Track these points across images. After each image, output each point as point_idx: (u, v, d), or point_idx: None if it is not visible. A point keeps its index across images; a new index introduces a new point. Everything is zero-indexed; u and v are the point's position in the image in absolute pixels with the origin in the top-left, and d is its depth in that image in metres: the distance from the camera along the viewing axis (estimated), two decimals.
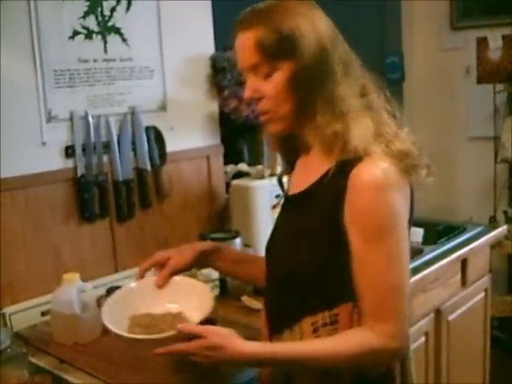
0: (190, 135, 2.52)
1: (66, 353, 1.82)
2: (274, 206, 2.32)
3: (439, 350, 2.54)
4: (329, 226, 1.27)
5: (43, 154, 2.08)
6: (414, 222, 1.36)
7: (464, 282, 2.69)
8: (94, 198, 2.19)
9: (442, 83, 3.92)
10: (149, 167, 2.33)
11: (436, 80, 3.92)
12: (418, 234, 2.50)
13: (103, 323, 1.42)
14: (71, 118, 2.13)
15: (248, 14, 1.30)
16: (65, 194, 2.14)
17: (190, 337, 1.26)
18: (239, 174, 2.58)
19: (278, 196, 2.37)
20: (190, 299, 1.47)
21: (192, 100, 2.52)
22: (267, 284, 1.46)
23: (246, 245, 2.28)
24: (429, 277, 2.37)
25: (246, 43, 1.28)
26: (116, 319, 1.42)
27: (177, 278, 1.53)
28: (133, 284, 1.56)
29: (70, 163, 2.14)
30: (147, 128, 2.34)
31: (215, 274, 2.06)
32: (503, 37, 3.50)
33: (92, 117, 2.18)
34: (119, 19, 2.25)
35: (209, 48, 2.58)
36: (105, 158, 2.22)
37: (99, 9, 2.19)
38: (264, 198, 2.38)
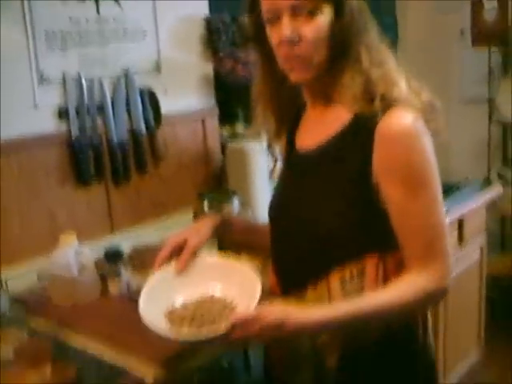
0: (185, 97, 2.49)
1: (64, 315, 1.81)
2: (273, 167, 2.33)
3: (436, 310, 2.55)
4: (354, 181, 1.25)
5: (36, 117, 2.05)
6: None
7: (460, 241, 2.69)
8: (88, 161, 2.16)
9: (436, 45, 3.87)
10: (144, 129, 2.31)
11: (430, 42, 3.88)
12: None
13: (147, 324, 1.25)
14: (64, 80, 2.10)
15: None
16: (59, 156, 2.11)
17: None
18: (235, 136, 2.55)
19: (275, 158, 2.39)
20: (231, 281, 1.35)
21: (186, 62, 2.48)
22: (277, 245, 1.42)
23: (245, 205, 2.26)
24: None
25: None
26: (154, 319, 1.27)
27: (210, 259, 1.43)
28: (155, 277, 1.39)
29: (63, 126, 2.12)
30: (141, 90, 2.31)
31: None
32: None
33: (85, 79, 2.14)
34: None
35: (203, 9, 2.54)
36: (99, 121, 2.19)
37: None
38: (261, 159, 2.37)
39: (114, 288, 1.91)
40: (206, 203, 2.22)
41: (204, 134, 2.55)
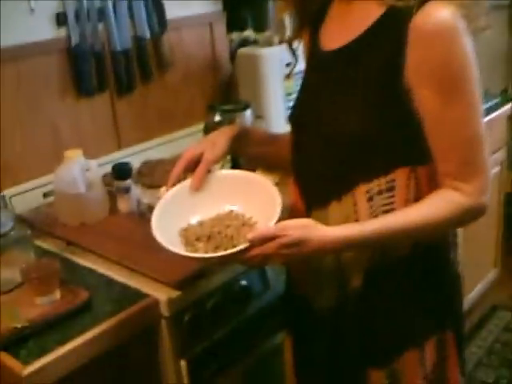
0: (190, 0, 2.31)
1: (72, 234, 1.74)
2: (288, 76, 2.20)
3: None
4: (384, 84, 1.13)
5: (32, 23, 1.90)
6: None
7: None
8: (90, 70, 2.02)
9: None
10: (148, 35, 2.15)
11: None
12: None
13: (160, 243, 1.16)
14: None
15: None
16: (59, 66, 1.97)
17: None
18: (245, 42, 2.39)
19: (288, 65, 2.23)
20: (250, 197, 1.26)
21: None
22: (299, 155, 1.31)
23: (258, 116, 2.15)
24: None
25: None
26: (169, 239, 1.19)
27: (227, 174, 1.34)
28: (169, 193, 1.29)
29: (62, 32, 1.96)
30: None
31: None
32: None
33: None
34: None
35: None
36: (100, 27, 2.03)
37: None
38: (274, 66, 2.22)
39: (123, 205, 1.82)
40: (217, 115, 2.10)
41: (212, 39, 2.38)
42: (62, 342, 1.28)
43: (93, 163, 1.78)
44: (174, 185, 1.30)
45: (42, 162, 1.93)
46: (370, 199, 1.19)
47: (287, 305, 1.45)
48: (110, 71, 2.09)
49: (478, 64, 1.13)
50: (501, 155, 2.82)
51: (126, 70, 2.12)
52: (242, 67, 2.32)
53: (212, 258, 1.16)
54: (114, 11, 2.05)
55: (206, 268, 1.46)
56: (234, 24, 2.46)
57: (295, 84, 2.16)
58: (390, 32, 1.11)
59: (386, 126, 1.14)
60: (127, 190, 1.80)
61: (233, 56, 2.39)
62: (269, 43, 2.27)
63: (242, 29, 2.45)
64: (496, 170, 2.76)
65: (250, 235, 1.11)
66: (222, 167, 1.96)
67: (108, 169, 1.88)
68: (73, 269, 1.58)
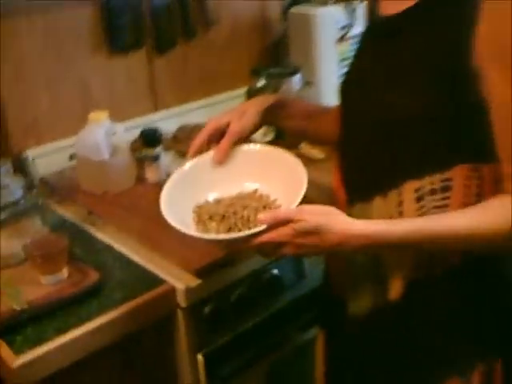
0: None
1: (94, 203, 1.60)
2: (342, 38, 2.00)
3: None
4: (449, 59, 0.94)
5: None
6: None
7: None
8: (126, 25, 1.85)
9: None
10: None
11: None
12: None
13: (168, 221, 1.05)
14: None
15: None
16: (92, 19, 1.81)
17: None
18: (298, 0, 2.18)
19: (344, 27, 2.03)
20: (277, 176, 1.13)
21: None
22: (345, 136, 1.13)
23: (308, 82, 1.96)
24: None
25: None
26: (179, 214, 1.08)
27: (254, 148, 1.19)
28: (187, 165, 1.18)
29: None
30: None
31: None
32: None
33: None
34: None
35: None
36: None
37: None
38: (328, 28, 2.01)
39: (151, 174, 1.66)
40: (261, 80, 1.92)
41: None
42: (63, 331, 1.15)
43: (119, 127, 1.63)
44: (194, 156, 1.17)
45: (70, 122, 1.78)
46: (420, 199, 1.00)
47: (322, 301, 1.29)
48: (148, 26, 1.92)
49: None
50: None
51: (165, 26, 1.94)
52: (294, 27, 2.12)
53: (216, 240, 1.04)
54: None
55: (232, 255, 1.30)
56: None
57: (350, 49, 1.97)
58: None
59: (447, 111, 0.95)
60: (156, 158, 1.65)
61: (284, 15, 2.19)
62: (323, 2, 2.06)
63: None
64: None
65: (260, 215, 0.98)
66: (265, 136, 1.81)
67: (138, 132, 1.72)
68: (89, 242, 1.46)
